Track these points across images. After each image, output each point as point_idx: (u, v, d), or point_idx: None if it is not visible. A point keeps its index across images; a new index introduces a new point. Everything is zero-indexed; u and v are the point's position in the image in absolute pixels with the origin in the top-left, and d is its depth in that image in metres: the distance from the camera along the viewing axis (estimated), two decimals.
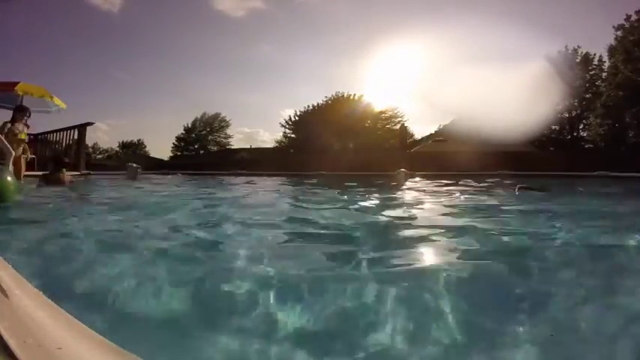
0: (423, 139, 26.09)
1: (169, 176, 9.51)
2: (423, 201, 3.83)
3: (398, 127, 24.56)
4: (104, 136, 47.92)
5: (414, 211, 3.02)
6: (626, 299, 1.10)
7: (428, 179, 7.66)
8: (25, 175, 5.83)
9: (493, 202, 3.72)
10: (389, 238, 2.01)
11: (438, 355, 0.84)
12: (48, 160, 5.68)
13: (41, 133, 9.30)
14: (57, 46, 33.71)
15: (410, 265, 1.44)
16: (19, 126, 5.32)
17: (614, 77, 17.35)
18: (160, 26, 33.37)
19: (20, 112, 5.46)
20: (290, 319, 0.96)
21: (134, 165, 7.58)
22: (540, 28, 21.89)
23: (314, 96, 39.68)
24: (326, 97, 24.99)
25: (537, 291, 1.17)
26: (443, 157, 12.37)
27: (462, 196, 4.13)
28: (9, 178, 2.77)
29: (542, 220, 2.58)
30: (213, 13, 32.84)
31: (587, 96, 19.51)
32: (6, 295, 0.68)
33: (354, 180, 6.99)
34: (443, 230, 2.06)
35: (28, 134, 5.78)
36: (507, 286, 1.22)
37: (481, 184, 6.25)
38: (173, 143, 29.36)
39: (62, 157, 5.71)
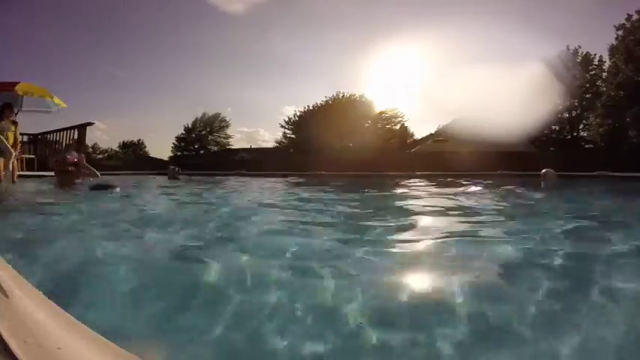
0: (423, 139, 26.04)
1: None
2: None
3: (398, 127, 24.57)
4: (103, 136, 47.86)
5: None
6: None
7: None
8: (25, 175, 5.81)
9: None
10: None
11: None
12: None
13: (41, 133, 9.29)
14: (57, 46, 33.74)
15: None
16: (4, 124, 5.29)
17: (614, 77, 17.31)
18: (160, 24, 33.39)
19: (5, 109, 5.42)
20: None
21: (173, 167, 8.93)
22: (541, 28, 21.96)
23: (315, 93, 39.62)
24: (326, 97, 25.01)
25: None
26: (443, 157, 12.35)
27: None
28: None
29: None
30: (214, 9, 32.81)
31: (588, 96, 19.47)
32: (6, 295, 0.68)
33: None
34: None
35: (27, 134, 5.75)
36: None
37: None
38: (173, 143, 29.32)
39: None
